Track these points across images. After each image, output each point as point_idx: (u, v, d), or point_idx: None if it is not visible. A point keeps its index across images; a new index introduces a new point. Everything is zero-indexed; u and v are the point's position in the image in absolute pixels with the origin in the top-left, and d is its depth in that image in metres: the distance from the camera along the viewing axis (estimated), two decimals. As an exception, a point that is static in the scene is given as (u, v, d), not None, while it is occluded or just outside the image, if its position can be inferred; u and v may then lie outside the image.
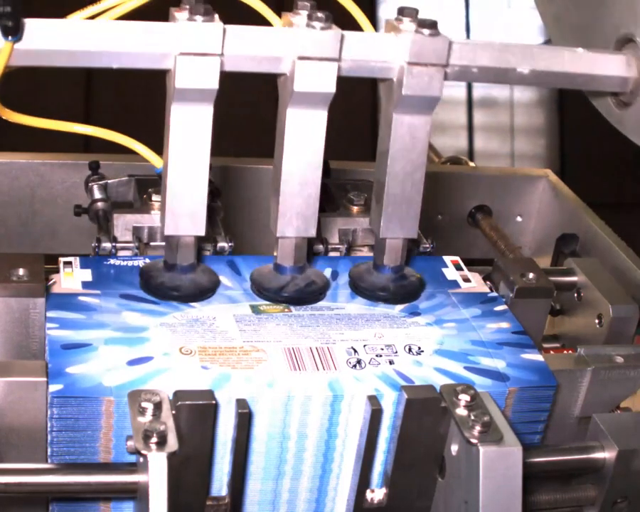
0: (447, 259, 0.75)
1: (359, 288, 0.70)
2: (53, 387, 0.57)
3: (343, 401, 0.60)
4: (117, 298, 0.65)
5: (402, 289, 0.69)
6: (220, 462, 0.60)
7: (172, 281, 0.66)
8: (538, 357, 0.65)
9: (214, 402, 0.57)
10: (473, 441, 0.57)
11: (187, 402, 0.56)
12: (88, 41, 0.59)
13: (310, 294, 0.68)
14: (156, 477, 0.52)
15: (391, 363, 0.63)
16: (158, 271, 0.67)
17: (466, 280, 0.73)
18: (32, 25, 0.58)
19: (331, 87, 0.62)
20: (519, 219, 1.00)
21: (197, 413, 0.56)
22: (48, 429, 0.57)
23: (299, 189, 0.65)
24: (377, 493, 0.64)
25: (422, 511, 0.64)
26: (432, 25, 0.63)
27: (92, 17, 0.61)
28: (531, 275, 0.72)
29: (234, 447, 0.59)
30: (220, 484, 0.61)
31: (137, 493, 0.55)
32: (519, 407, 0.63)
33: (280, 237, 0.67)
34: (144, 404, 0.55)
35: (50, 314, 0.63)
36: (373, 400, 0.60)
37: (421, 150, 0.66)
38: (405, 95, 0.63)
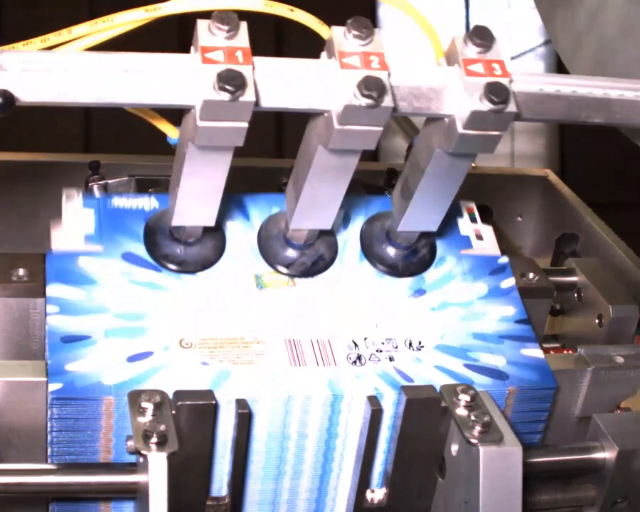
0: (463, 204, 0.73)
1: (367, 256, 0.68)
2: (53, 386, 0.56)
3: (343, 401, 0.60)
4: (119, 260, 0.63)
5: (410, 266, 0.68)
6: (220, 462, 0.60)
7: (176, 254, 0.64)
8: (539, 353, 0.65)
9: (214, 402, 0.57)
10: (473, 441, 0.57)
11: (187, 402, 0.56)
12: (95, 92, 0.53)
13: (316, 272, 0.66)
14: (156, 477, 0.52)
15: (391, 359, 0.63)
16: (163, 235, 0.65)
17: (479, 237, 0.71)
18: (24, 80, 0.52)
19: (372, 146, 0.56)
20: (519, 219, 1.00)
21: (197, 413, 0.56)
22: (48, 429, 0.57)
23: (321, 198, 0.62)
24: (377, 493, 0.64)
25: (422, 511, 0.64)
26: (504, 100, 0.55)
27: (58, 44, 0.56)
28: (531, 275, 0.72)
29: (234, 447, 0.59)
30: (220, 484, 0.61)
31: (137, 493, 0.55)
32: (519, 406, 0.63)
33: (294, 229, 0.65)
34: (143, 405, 0.55)
35: (50, 291, 0.61)
36: (373, 401, 0.60)
37: (458, 177, 0.63)
38: (454, 152, 0.59)
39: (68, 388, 0.57)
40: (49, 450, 0.58)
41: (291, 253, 0.66)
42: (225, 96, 0.52)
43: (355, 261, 0.68)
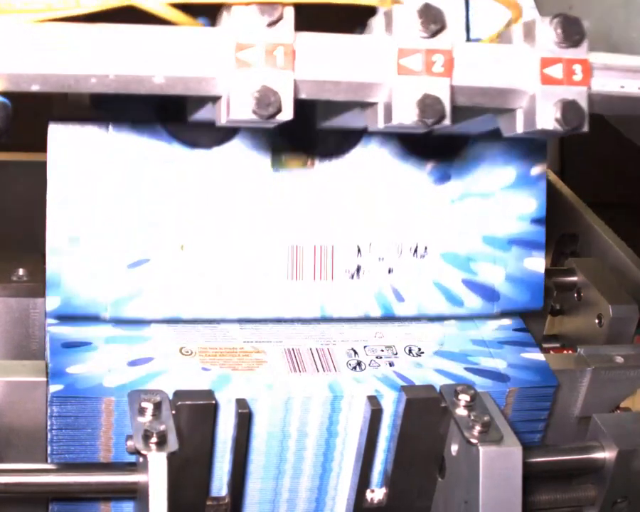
0: None
1: (395, 134, 0.62)
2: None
3: (343, 400, 0.60)
4: (129, 129, 0.60)
5: (439, 150, 0.64)
6: (220, 462, 0.60)
7: (190, 128, 0.59)
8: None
9: (214, 402, 0.57)
10: (473, 441, 0.57)
11: (187, 402, 0.56)
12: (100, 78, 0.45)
13: (338, 154, 0.62)
14: (156, 477, 0.52)
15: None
16: (177, 105, 0.58)
17: None
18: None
19: (421, 131, 0.50)
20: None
21: (197, 413, 0.56)
22: (48, 427, 0.57)
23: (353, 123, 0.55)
24: (377, 493, 0.64)
25: (422, 511, 0.64)
26: (577, 126, 0.49)
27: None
28: (531, 275, 0.72)
29: (234, 447, 0.59)
30: (220, 484, 0.61)
31: (137, 493, 0.55)
32: (519, 405, 0.63)
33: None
34: (143, 404, 0.55)
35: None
36: (373, 400, 0.60)
37: None
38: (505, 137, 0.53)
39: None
40: (49, 448, 0.58)
41: (314, 134, 0.61)
42: (258, 118, 0.46)
43: (381, 139, 0.63)
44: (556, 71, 0.49)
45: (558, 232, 0.93)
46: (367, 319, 0.65)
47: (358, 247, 0.62)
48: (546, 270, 0.75)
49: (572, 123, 0.49)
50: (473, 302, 0.63)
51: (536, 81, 0.49)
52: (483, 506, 0.56)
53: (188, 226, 0.60)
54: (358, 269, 0.62)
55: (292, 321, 0.64)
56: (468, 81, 0.49)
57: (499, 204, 0.66)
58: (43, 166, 0.83)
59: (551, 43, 0.49)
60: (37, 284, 0.63)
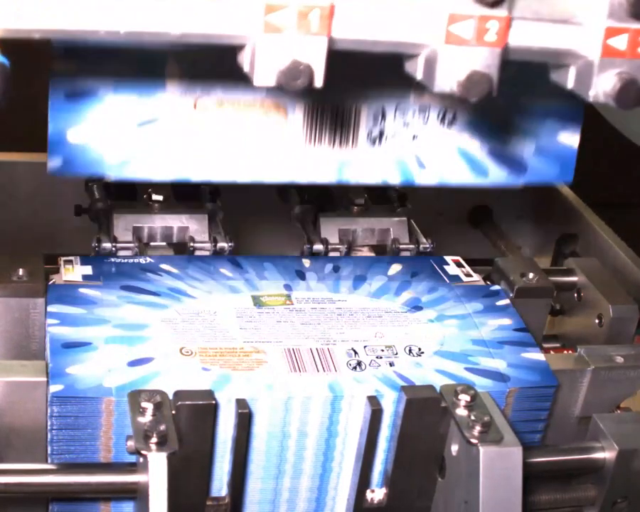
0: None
1: None
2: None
3: (344, 400, 0.60)
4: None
5: None
6: (220, 462, 0.60)
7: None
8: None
9: (214, 402, 0.57)
10: (473, 441, 0.57)
11: (187, 402, 0.56)
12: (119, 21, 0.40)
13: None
14: (156, 477, 0.52)
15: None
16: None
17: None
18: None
19: None
20: (519, 219, 1.00)
21: (197, 413, 0.56)
22: (48, 427, 0.57)
23: None
24: (377, 493, 0.64)
25: (421, 511, 0.64)
26: (631, 105, 0.45)
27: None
28: (531, 275, 0.72)
29: (234, 447, 0.59)
30: (220, 484, 0.61)
31: (137, 493, 0.55)
32: (519, 405, 0.63)
33: None
34: (144, 404, 0.55)
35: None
36: (373, 401, 0.60)
37: None
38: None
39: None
40: (49, 449, 0.58)
41: None
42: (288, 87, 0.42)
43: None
44: (620, 42, 0.45)
45: (558, 232, 0.93)
46: (385, 186, 0.62)
47: (383, 110, 0.59)
48: (546, 270, 0.75)
49: (629, 103, 0.45)
50: (498, 173, 0.60)
51: (597, 50, 0.45)
52: (483, 506, 0.56)
53: (201, 84, 0.57)
54: (381, 134, 0.59)
55: (308, 184, 0.60)
56: (525, 42, 0.45)
57: (536, 75, 0.58)
58: (43, 166, 0.83)
59: (622, 13, 0.44)
60: (37, 284, 0.63)
